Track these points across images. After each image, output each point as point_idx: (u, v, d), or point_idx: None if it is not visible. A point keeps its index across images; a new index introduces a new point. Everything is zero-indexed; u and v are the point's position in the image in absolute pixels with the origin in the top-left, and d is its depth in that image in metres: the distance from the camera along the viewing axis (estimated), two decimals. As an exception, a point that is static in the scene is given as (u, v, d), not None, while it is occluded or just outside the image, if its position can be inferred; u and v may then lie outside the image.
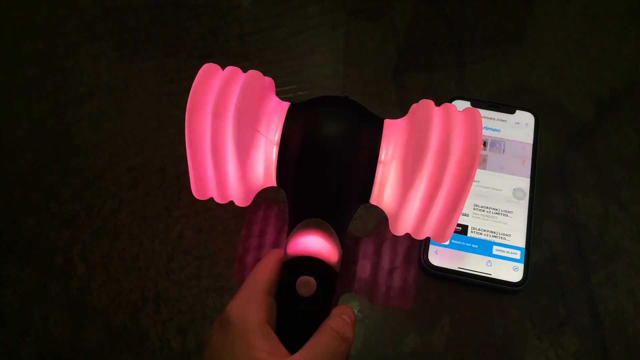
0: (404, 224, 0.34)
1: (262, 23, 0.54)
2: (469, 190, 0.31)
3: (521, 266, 0.40)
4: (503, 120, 0.46)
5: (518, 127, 0.45)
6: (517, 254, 0.40)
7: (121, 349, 0.39)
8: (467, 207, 0.42)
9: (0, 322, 0.40)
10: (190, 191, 0.35)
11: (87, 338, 0.39)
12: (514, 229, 0.41)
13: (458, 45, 0.53)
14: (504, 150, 0.44)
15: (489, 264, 0.40)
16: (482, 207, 0.42)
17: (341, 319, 0.31)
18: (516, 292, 0.40)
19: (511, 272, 0.39)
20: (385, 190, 0.33)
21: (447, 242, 0.40)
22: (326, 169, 0.32)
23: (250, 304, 0.31)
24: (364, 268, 0.41)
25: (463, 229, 0.41)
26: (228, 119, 0.31)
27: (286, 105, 0.34)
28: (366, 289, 0.40)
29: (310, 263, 0.32)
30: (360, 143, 0.32)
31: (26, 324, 0.40)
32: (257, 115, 0.32)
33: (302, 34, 0.54)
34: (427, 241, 0.41)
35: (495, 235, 0.41)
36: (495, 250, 0.40)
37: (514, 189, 0.42)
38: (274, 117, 0.33)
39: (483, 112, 0.46)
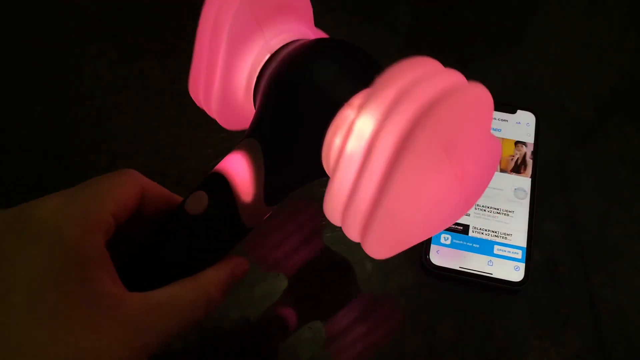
0: (331, 200, 0.26)
1: (262, 23, 0.54)
2: (408, 176, 0.23)
3: (522, 266, 0.40)
4: (504, 120, 0.46)
5: (519, 127, 0.45)
6: (519, 254, 0.40)
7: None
8: (468, 206, 0.42)
9: (0, 322, 0.40)
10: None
11: (88, 338, 0.39)
12: (515, 229, 0.41)
13: (458, 45, 0.53)
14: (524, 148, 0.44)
15: (490, 264, 0.40)
16: (483, 206, 0.42)
17: (221, 272, 0.27)
18: (517, 292, 0.39)
19: (512, 271, 0.39)
20: (333, 145, 0.26)
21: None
22: (282, 89, 0.28)
23: (91, 218, 0.24)
24: (364, 268, 0.41)
25: (464, 229, 0.41)
26: (241, 2, 0.28)
27: (318, 33, 0.31)
28: (367, 289, 0.40)
29: (212, 179, 0.28)
30: (333, 80, 0.28)
31: (26, 324, 0.40)
32: (269, 15, 0.29)
33: (302, 34, 0.54)
34: (428, 241, 0.41)
35: (496, 234, 0.41)
36: (497, 249, 0.40)
37: (515, 189, 0.42)
38: (287, 29, 0.30)
39: (484, 112, 0.46)
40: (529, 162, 0.44)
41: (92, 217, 0.24)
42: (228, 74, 0.30)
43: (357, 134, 0.24)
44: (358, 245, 0.41)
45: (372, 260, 0.41)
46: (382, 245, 0.27)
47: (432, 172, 0.25)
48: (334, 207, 0.26)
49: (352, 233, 0.27)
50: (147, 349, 0.23)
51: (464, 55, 0.52)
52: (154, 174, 0.46)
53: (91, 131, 0.48)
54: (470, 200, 0.29)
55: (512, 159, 0.44)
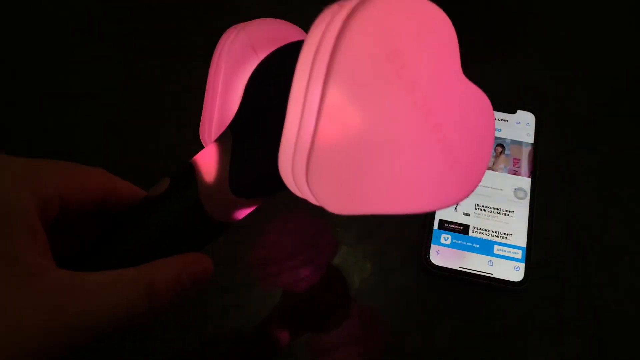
0: (283, 157, 0.24)
1: (262, 23, 0.54)
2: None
3: (522, 266, 0.40)
4: (504, 120, 0.46)
5: (519, 127, 0.45)
6: (519, 254, 0.40)
7: (121, 350, 0.39)
8: (468, 206, 0.42)
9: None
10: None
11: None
12: (515, 229, 0.41)
13: (458, 44, 0.53)
14: (505, 150, 0.44)
15: (490, 264, 0.40)
16: (483, 206, 0.42)
17: (172, 265, 0.24)
18: (517, 292, 0.39)
19: (512, 271, 0.39)
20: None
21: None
22: (251, 82, 0.30)
23: (28, 178, 0.22)
24: (364, 268, 0.41)
25: (464, 229, 0.41)
26: (239, 31, 0.32)
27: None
28: (368, 289, 0.40)
29: (181, 167, 0.26)
30: (290, 63, 0.28)
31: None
32: (264, 42, 0.33)
33: (302, 34, 0.54)
34: (428, 241, 0.41)
35: (496, 234, 0.41)
36: (497, 249, 0.40)
37: (515, 189, 0.42)
38: None
39: (484, 112, 0.46)
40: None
41: (29, 177, 0.22)
42: (226, 96, 0.32)
43: (295, 86, 0.22)
44: (358, 245, 0.41)
45: (372, 260, 0.41)
46: (328, 183, 0.23)
47: (374, 81, 0.22)
48: (285, 161, 0.23)
49: (302, 186, 0.23)
50: (65, 334, 0.20)
51: (464, 55, 0.52)
52: (154, 174, 0.46)
53: (91, 131, 0.48)
54: (457, 160, 0.25)
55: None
